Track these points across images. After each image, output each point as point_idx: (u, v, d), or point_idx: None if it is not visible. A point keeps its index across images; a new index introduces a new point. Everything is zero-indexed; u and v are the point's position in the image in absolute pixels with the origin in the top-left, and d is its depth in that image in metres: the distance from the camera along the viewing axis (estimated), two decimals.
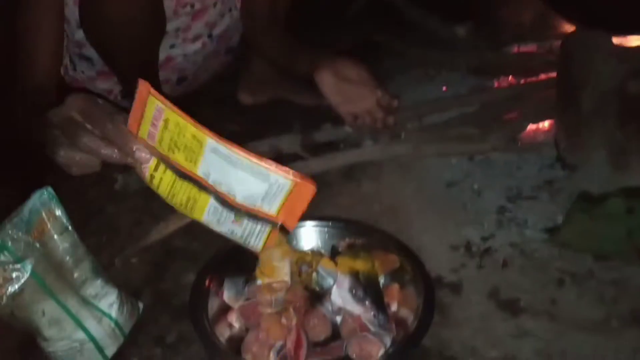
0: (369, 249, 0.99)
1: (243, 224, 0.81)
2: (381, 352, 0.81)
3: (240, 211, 0.80)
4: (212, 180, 0.79)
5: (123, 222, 1.27)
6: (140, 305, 0.99)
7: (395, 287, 0.95)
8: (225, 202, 0.80)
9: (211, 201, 0.81)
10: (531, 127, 1.50)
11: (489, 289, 1.02)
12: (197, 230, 1.20)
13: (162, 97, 0.76)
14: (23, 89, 1.21)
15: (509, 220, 1.20)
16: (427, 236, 1.15)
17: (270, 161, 0.76)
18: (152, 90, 0.76)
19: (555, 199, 1.26)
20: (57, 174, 1.40)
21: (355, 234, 1.05)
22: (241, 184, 0.77)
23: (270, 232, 0.81)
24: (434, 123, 1.52)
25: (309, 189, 0.75)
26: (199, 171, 0.79)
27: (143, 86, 0.76)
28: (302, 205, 0.77)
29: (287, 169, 0.75)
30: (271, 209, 0.77)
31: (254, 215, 0.80)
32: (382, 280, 0.96)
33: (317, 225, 1.07)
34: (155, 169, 0.83)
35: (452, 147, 1.42)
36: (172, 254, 1.15)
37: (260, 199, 0.77)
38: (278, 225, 0.80)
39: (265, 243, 0.82)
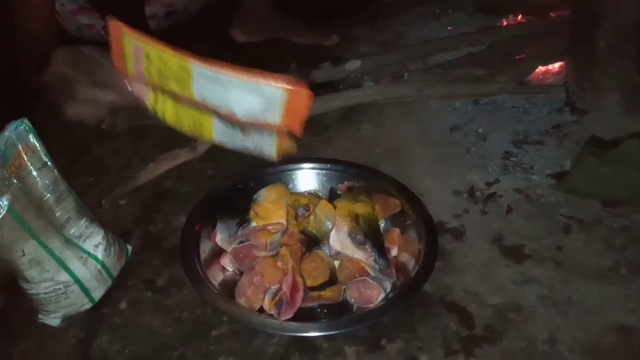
0: (369, 192, 0.94)
1: (252, 137, 0.77)
2: (381, 296, 0.77)
3: (246, 127, 0.76)
4: (209, 103, 0.74)
5: (111, 163, 1.22)
6: (129, 247, 0.95)
7: (396, 231, 0.91)
8: (229, 121, 0.76)
9: (215, 122, 0.77)
10: (540, 68, 1.42)
11: (492, 235, 0.99)
12: (188, 172, 1.16)
13: (136, 34, 0.73)
14: (21, 37, 1.15)
15: (515, 166, 1.15)
16: (429, 181, 1.10)
17: (257, 73, 0.70)
18: (125, 29, 0.73)
19: (563, 144, 1.21)
20: (43, 111, 1.35)
21: (355, 176, 1.00)
22: (237, 102, 0.73)
23: (279, 139, 0.78)
24: (439, 63, 1.44)
25: (304, 94, 0.71)
26: (196, 96, 0.74)
27: (114, 26, 0.74)
28: (302, 110, 0.73)
29: (276, 76, 0.70)
30: (274, 119, 0.73)
31: (259, 129, 0.76)
32: (382, 224, 0.91)
33: (314, 167, 1.03)
34: (155, 101, 0.80)
35: (457, 89, 1.34)
36: (162, 196, 1.10)
37: (259, 112, 0.73)
38: (284, 131, 0.77)
39: (277, 151, 0.79)
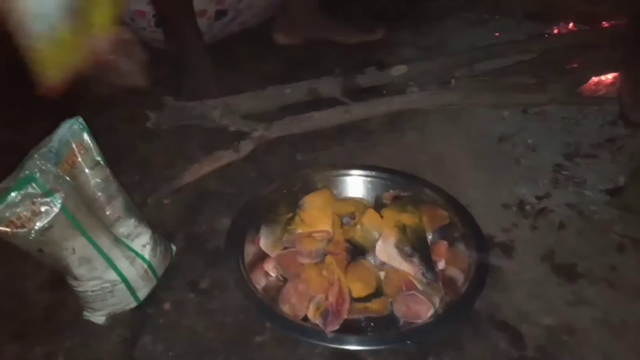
0: (416, 202, 0.92)
1: None
2: (430, 312, 0.75)
3: None
4: None
5: (155, 162, 1.22)
6: (174, 248, 0.95)
7: (444, 244, 0.89)
8: None
9: None
10: (593, 79, 1.37)
11: (543, 252, 0.95)
12: (231, 173, 1.16)
13: None
14: None
15: (566, 179, 1.11)
16: (476, 192, 1.07)
17: None
18: None
19: (617, 158, 1.17)
20: (88, 107, 1.37)
21: (401, 185, 0.98)
22: None
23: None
24: (486, 71, 1.40)
25: None
26: None
27: None
28: None
29: None
30: None
31: None
32: (429, 236, 0.89)
33: (360, 175, 1.01)
34: None
35: (506, 98, 1.31)
36: (206, 197, 1.10)
37: None
38: None
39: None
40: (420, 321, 0.75)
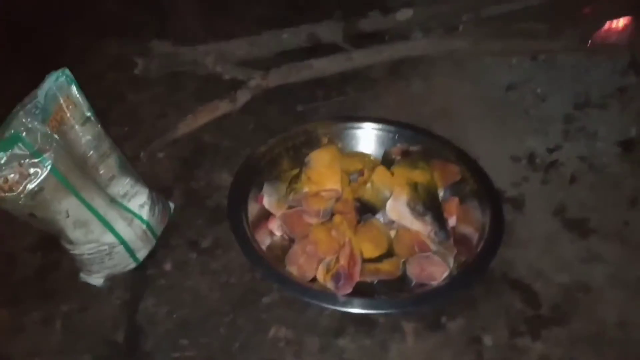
0: (426, 158, 0.87)
1: None
2: (445, 274, 0.72)
3: None
4: None
5: (146, 112, 1.16)
6: (172, 205, 0.90)
7: (455, 201, 0.85)
8: None
9: None
10: (605, 26, 1.30)
11: (554, 206, 0.92)
12: (227, 125, 1.10)
13: None
14: None
15: (577, 131, 1.07)
16: (485, 145, 1.03)
17: None
18: None
19: (628, 109, 1.13)
20: (70, 55, 1.28)
21: (410, 139, 0.93)
22: None
23: None
24: (495, 15, 1.32)
25: None
26: None
27: None
28: None
29: None
30: None
31: None
32: (440, 193, 0.85)
33: (366, 128, 0.95)
34: None
35: (514, 44, 1.24)
36: (202, 150, 1.04)
37: None
38: None
39: None
40: (434, 283, 0.73)
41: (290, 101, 1.15)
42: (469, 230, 0.82)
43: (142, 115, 1.15)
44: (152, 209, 0.81)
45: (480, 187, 0.84)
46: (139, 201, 0.80)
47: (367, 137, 0.95)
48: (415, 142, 0.92)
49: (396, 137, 0.94)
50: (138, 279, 0.82)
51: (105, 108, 1.15)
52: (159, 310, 0.78)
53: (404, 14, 1.24)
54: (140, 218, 0.79)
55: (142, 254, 0.82)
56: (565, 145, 1.04)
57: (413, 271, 0.74)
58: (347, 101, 1.15)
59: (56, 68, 0.74)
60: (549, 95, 1.16)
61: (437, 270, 0.72)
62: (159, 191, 0.90)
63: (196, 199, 0.94)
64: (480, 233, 0.78)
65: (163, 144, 1.05)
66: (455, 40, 1.24)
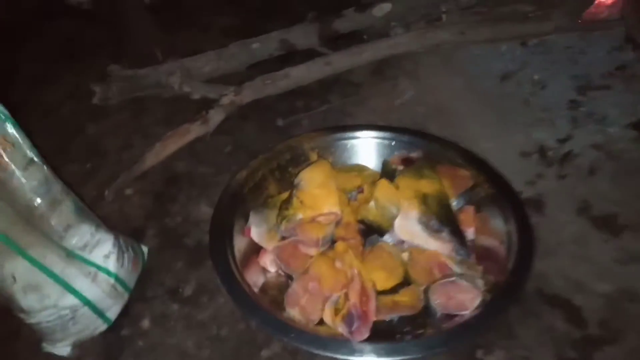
0: (431, 164, 0.76)
1: None
2: (477, 301, 0.61)
3: None
4: None
5: (109, 144, 1.03)
6: (145, 249, 0.78)
7: (470, 210, 0.74)
8: None
9: None
10: (595, 1, 1.22)
11: (577, 204, 0.83)
12: (201, 149, 0.98)
13: None
14: None
15: (585, 117, 0.99)
16: (488, 142, 0.93)
17: None
18: None
19: (631, 86, 1.05)
20: (23, 86, 1.15)
21: (409, 145, 0.82)
22: None
23: None
24: (477, 1, 1.23)
25: None
26: None
27: None
28: None
29: None
30: None
31: None
32: (453, 203, 0.74)
33: (358, 137, 0.84)
34: None
35: (502, 30, 1.15)
36: (175, 181, 0.92)
37: None
38: None
39: None
40: (465, 312, 0.61)
41: (268, 116, 1.04)
42: (491, 242, 0.71)
43: (105, 148, 1.03)
44: (119, 257, 0.69)
45: (496, 190, 0.74)
46: (103, 251, 0.67)
47: (361, 148, 0.84)
48: (416, 147, 0.82)
49: (393, 143, 0.83)
50: (111, 343, 0.69)
51: (63, 144, 1.03)
52: None
53: (381, 9, 1.14)
54: (106, 271, 0.67)
55: (113, 313, 0.69)
56: (575, 133, 0.95)
57: (438, 301, 0.63)
58: (331, 110, 1.05)
59: (6, 102, 0.61)
60: (548, 81, 1.08)
61: (467, 298, 0.61)
62: (128, 234, 0.78)
63: (173, 238, 0.82)
64: (507, 244, 0.67)
65: (130, 179, 0.92)
66: (439, 32, 1.14)
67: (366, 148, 0.84)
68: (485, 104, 1.04)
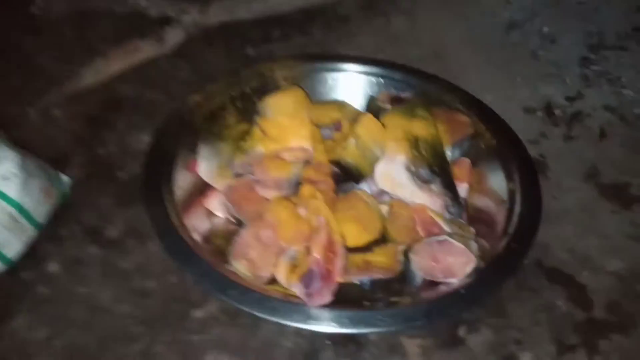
0: (426, 105, 0.63)
1: None
2: (469, 267, 0.49)
3: None
4: None
5: (44, 60, 0.87)
6: (66, 179, 0.63)
7: (466, 163, 0.62)
8: None
9: None
10: None
11: (585, 169, 0.73)
12: (153, 73, 0.85)
13: None
14: None
15: (598, 76, 0.89)
16: (490, 94, 0.80)
17: None
18: None
19: None
20: None
21: (401, 83, 0.69)
22: None
23: None
24: None
25: None
26: None
27: None
28: None
29: None
30: None
31: None
32: (448, 152, 0.61)
33: (341, 68, 0.71)
34: None
35: None
36: (116, 105, 0.78)
37: None
38: None
39: None
40: (453, 280, 0.49)
41: (237, 43, 0.89)
42: (487, 202, 0.59)
43: (41, 65, 0.86)
44: (25, 183, 0.54)
45: (500, 142, 0.61)
46: (1, 171, 0.52)
47: (344, 82, 0.71)
48: (408, 86, 0.68)
49: (382, 81, 0.70)
50: (8, 287, 0.55)
51: None
52: (34, 336, 0.51)
53: None
54: (5, 197, 0.52)
55: (13, 250, 0.55)
56: (587, 92, 0.85)
57: (422, 264, 0.50)
58: (312, 43, 0.92)
59: None
60: (558, 36, 0.97)
61: (457, 263, 0.49)
62: (51, 161, 0.63)
63: (103, 170, 0.68)
64: (508, 207, 0.55)
65: (61, 97, 0.77)
66: None
67: (350, 83, 0.70)
68: (488, 53, 0.92)
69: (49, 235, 0.59)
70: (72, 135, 0.72)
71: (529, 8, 1.02)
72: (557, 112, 0.80)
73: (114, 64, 0.82)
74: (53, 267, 0.57)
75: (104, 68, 0.81)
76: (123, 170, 0.67)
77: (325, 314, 0.45)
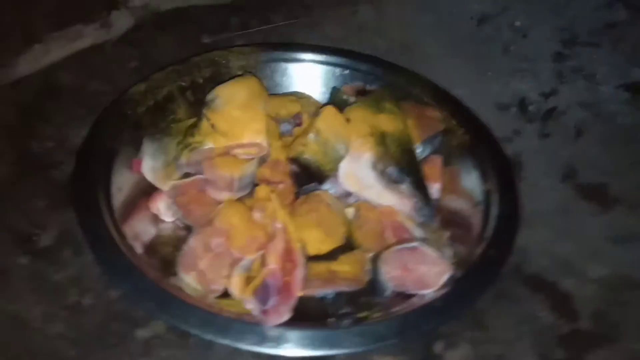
0: (394, 98, 0.58)
1: None
2: (444, 277, 0.44)
3: None
4: None
5: None
6: None
7: (437, 161, 0.57)
8: None
9: None
10: None
11: (562, 168, 0.70)
12: (97, 61, 0.78)
13: None
14: None
15: (573, 72, 0.86)
16: (461, 88, 0.77)
17: None
18: None
19: (620, 48, 0.92)
20: None
21: (367, 74, 0.64)
22: None
23: None
24: None
25: None
26: None
27: None
28: None
29: None
30: None
31: None
32: (418, 150, 0.57)
33: (302, 58, 0.65)
34: None
35: None
36: (55, 96, 0.71)
37: None
38: None
39: None
40: (427, 292, 0.44)
41: (192, 30, 0.83)
42: (460, 204, 0.55)
43: None
44: None
45: (474, 139, 0.57)
46: None
47: (305, 73, 0.65)
48: (375, 78, 0.63)
49: (347, 72, 0.64)
50: None
51: None
52: None
53: None
54: None
55: None
56: (561, 89, 0.82)
57: (392, 274, 0.45)
58: (273, 32, 0.86)
59: None
60: (530, 30, 0.94)
61: (431, 272, 0.44)
62: None
63: (36, 168, 0.61)
64: (483, 209, 0.51)
65: None
66: None
67: (312, 75, 0.65)
68: (459, 47, 0.88)
69: None
70: (3, 129, 0.64)
71: (500, 1, 0.99)
72: (531, 108, 0.77)
73: (53, 51, 0.74)
74: None
75: (42, 54, 0.73)
76: (59, 168, 0.60)
77: (284, 334, 0.39)
